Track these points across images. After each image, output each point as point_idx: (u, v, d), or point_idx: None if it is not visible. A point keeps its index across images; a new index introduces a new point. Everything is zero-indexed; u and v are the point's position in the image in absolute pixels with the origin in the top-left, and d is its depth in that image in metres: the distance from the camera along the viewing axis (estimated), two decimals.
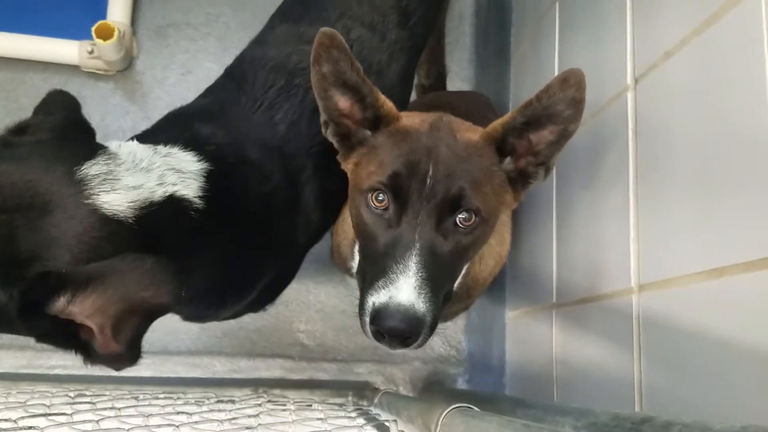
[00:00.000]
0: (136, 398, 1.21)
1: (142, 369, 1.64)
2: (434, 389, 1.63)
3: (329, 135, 0.91)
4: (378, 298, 0.81)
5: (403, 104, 1.28)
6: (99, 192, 0.75)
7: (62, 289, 0.69)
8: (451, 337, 1.75)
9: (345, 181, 0.98)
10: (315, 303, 1.74)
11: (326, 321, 1.71)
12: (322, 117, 0.90)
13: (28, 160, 0.75)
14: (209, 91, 1.13)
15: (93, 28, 1.64)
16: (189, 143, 0.91)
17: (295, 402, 1.24)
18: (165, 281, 0.71)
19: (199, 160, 0.88)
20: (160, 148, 0.87)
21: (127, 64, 1.80)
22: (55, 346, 0.76)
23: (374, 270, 0.85)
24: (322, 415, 1.11)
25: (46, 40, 1.73)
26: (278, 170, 1.03)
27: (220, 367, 1.66)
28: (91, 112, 1.77)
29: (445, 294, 0.89)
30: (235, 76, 1.12)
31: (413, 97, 1.76)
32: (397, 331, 0.79)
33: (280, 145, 1.04)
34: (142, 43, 1.83)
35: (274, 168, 1.02)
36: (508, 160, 0.85)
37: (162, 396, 1.26)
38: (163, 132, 0.96)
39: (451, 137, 0.85)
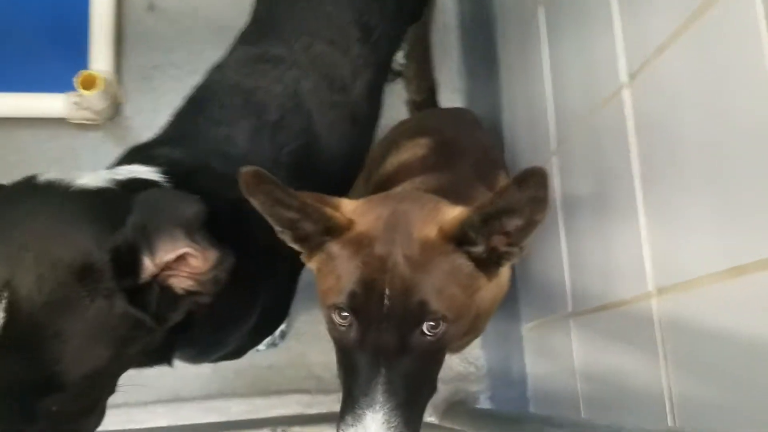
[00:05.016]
0: None
1: (158, 418, 1.60)
2: (457, 410, 1.59)
3: (287, 241, 0.86)
4: None
5: (372, 120, 1.27)
6: (72, 180, 0.76)
7: (136, 249, 0.69)
8: (468, 353, 1.71)
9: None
10: (327, 332, 1.70)
11: None
12: (276, 228, 0.85)
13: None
14: (169, 122, 1.12)
15: (77, 79, 1.63)
16: (144, 161, 0.91)
17: None
18: (182, 194, 0.73)
19: (155, 170, 0.89)
20: (118, 169, 0.88)
21: (115, 111, 1.78)
22: (178, 316, 0.76)
23: (346, 391, 0.84)
24: None
25: (31, 96, 1.72)
26: None
27: (235, 409, 1.62)
28: (83, 164, 1.75)
29: (428, 388, 0.87)
30: (195, 101, 1.12)
31: (405, 114, 1.74)
32: None
33: (243, 154, 1.03)
34: (128, 88, 1.82)
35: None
36: (478, 243, 0.81)
37: None
38: (119, 163, 0.97)
39: (407, 239, 0.81)
